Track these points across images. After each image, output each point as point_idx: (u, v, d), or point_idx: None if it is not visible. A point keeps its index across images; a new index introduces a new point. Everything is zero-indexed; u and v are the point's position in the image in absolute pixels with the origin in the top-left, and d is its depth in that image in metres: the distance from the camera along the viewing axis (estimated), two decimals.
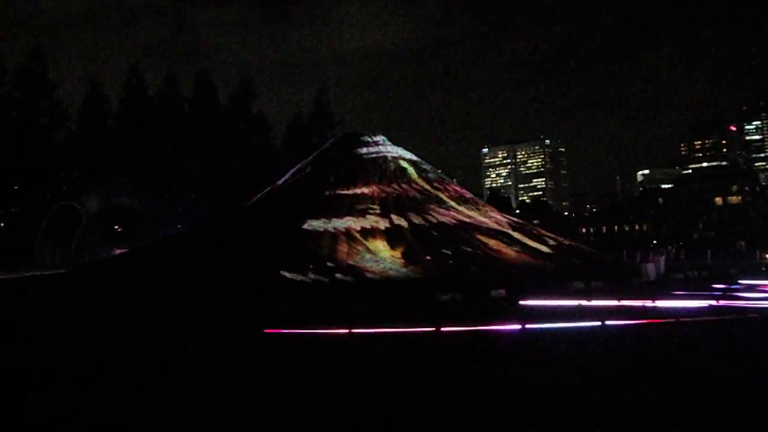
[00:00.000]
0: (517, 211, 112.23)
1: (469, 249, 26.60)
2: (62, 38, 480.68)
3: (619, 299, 17.13)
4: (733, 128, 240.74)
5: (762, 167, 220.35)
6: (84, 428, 6.20)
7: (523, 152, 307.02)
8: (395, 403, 6.93)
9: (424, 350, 10.46)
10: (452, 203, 31.60)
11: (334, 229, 27.39)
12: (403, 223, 28.17)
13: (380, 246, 26.15)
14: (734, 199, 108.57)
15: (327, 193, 30.86)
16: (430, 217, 29.09)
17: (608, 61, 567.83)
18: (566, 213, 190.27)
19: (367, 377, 8.32)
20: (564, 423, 6.11)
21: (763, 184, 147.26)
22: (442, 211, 30.04)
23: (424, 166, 35.86)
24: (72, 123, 55.92)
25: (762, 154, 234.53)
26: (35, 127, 51.88)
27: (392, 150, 35.69)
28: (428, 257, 25.46)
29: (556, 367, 8.81)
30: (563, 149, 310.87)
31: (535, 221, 67.77)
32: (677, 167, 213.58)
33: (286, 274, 22.94)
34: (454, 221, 29.21)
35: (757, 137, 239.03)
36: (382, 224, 27.90)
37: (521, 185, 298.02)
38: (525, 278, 22.05)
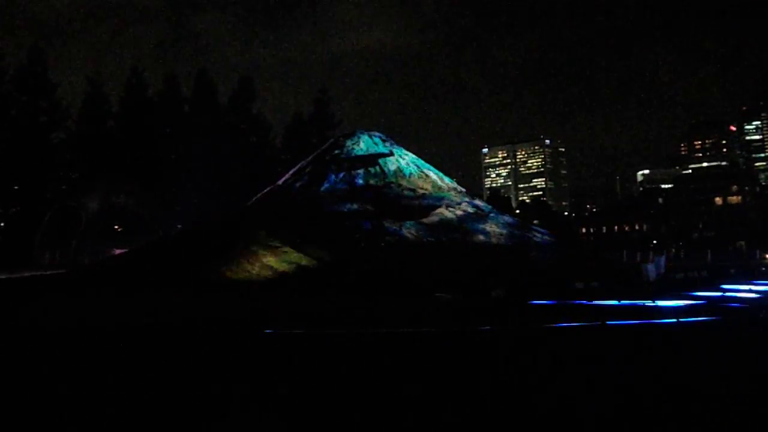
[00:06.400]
0: (517, 211, 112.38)
1: (468, 249, 26.58)
2: (62, 38, 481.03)
3: (619, 299, 17.13)
4: (733, 128, 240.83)
5: (762, 167, 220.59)
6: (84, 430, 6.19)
7: (523, 152, 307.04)
8: (395, 404, 6.91)
9: (425, 351, 10.44)
10: (452, 203, 31.56)
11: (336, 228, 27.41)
12: (403, 222, 28.15)
13: (380, 246, 26.13)
14: (734, 199, 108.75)
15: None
16: (429, 217, 29.08)
17: (608, 60, 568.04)
18: (566, 213, 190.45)
19: (367, 379, 8.30)
20: (564, 424, 6.10)
21: (763, 184, 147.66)
22: (441, 210, 30.02)
23: (424, 166, 35.83)
24: (72, 123, 55.92)
25: (762, 154, 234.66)
26: (35, 127, 51.83)
27: (392, 149, 35.68)
28: (428, 257, 25.43)
29: (556, 367, 8.80)
30: (563, 149, 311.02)
31: (535, 221, 67.89)
32: (677, 167, 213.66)
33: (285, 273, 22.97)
34: (453, 221, 29.18)
35: (757, 137, 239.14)
36: (382, 223, 27.88)
37: (521, 185, 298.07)
38: (525, 278, 22.04)
